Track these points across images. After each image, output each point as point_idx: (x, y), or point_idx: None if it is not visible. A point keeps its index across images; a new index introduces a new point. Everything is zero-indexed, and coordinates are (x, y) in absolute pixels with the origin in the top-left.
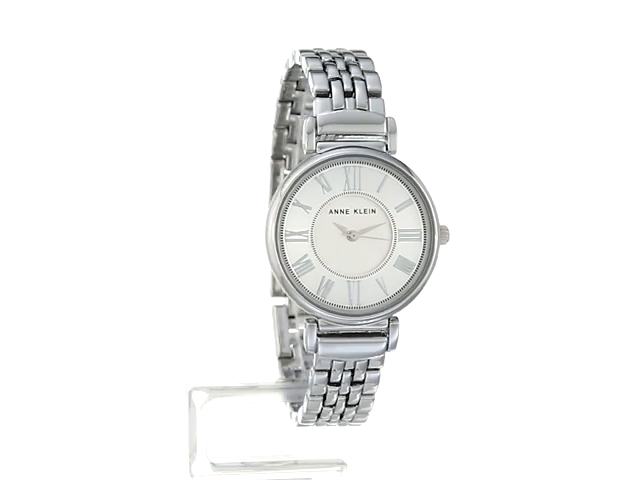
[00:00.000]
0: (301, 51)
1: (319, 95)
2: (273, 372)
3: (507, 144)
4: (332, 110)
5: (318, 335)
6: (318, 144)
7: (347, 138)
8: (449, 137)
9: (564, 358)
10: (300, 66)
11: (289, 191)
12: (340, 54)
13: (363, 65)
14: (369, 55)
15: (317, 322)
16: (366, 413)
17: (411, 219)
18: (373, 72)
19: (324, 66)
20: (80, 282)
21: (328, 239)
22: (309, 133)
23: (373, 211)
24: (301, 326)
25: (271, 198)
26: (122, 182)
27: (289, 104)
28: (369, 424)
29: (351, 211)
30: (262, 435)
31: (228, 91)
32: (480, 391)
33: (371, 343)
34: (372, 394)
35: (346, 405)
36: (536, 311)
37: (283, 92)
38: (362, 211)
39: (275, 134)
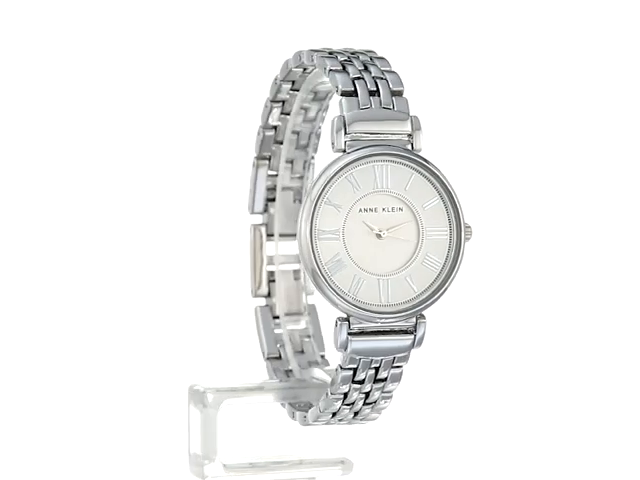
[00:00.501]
0: (313, 50)
1: (344, 94)
2: (262, 373)
3: (513, 140)
4: (359, 109)
5: (348, 333)
6: (347, 143)
7: (373, 137)
8: (448, 137)
9: (582, 354)
10: (304, 66)
11: (322, 190)
12: (352, 53)
13: (380, 64)
14: (381, 55)
15: (348, 320)
16: (379, 412)
17: (438, 217)
18: (392, 71)
19: (343, 65)
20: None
21: (358, 237)
22: (338, 132)
23: (400, 209)
24: (288, 326)
25: (251, 198)
26: (102, 182)
27: (280, 104)
28: (374, 422)
29: (379, 209)
30: (262, 435)
31: (211, 91)
32: (489, 391)
33: (398, 340)
34: (391, 391)
35: (364, 404)
36: (550, 312)
37: (276, 92)
38: (390, 209)
39: (262, 133)
